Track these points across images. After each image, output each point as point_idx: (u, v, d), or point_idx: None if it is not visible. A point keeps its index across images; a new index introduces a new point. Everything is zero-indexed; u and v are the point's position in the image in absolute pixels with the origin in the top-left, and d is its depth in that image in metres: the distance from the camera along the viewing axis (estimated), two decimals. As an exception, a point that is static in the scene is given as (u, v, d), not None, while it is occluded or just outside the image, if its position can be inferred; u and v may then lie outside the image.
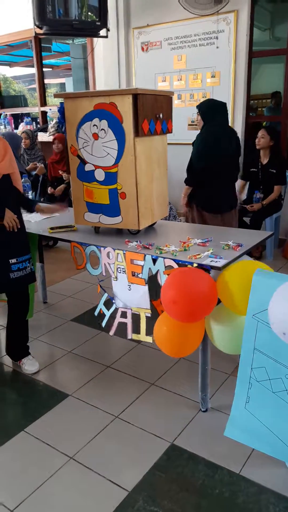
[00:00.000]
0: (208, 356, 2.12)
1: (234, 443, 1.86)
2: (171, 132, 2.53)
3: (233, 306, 1.90)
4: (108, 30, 4.80)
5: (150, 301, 2.19)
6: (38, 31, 4.68)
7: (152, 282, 2.16)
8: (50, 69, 9.58)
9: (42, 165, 5.26)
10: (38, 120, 6.51)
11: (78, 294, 3.68)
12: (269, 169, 4.28)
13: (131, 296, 2.25)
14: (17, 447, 2.02)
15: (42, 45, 6.17)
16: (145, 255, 2.11)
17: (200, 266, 1.97)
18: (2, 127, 6.21)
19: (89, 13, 4.68)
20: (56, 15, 4.50)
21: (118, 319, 2.32)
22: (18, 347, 2.62)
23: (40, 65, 6.21)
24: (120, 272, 2.24)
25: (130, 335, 2.27)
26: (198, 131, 3.48)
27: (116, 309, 2.33)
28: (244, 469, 1.83)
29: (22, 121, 6.38)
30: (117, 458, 1.93)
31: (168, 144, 2.58)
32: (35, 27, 4.62)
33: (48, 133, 5.73)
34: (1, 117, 6.40)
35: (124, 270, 2.22)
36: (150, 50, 4.99)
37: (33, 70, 6.28)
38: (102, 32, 4.81)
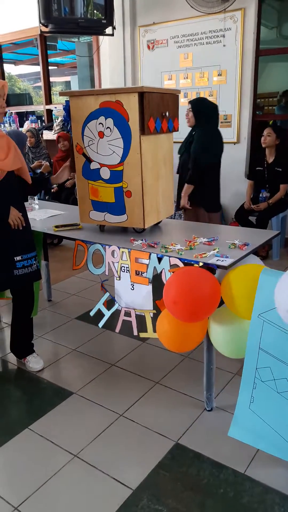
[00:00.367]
0: (213, 355, 2.11)
1: (239, 442, 1.85)
2: (177, 131, 2.52)
3: (236, 309, 1.88)
4: (114, 28, 4.79)
5: (154, 301, 2.19)
6: (44, 29, 4.68)
7: (157, 282, 2.15)
8: (56, 67, 9.58)
9: (47, 163, 5.26)
10: (43, 118, 6.52)
11: (83, 292, 3.69)
12: (275, 168, 4.26)
13: (134, 296, 2.25)
14: (21, 444, 2.02)
15: (47, 43, 6.17)
16: (150, 254, 2.11)
17: (206, 265, 1.96)
18: (7, 125, 6.22)
19: (95, 11, 4.67)
20: (61, 13, 4.50)
21: (122, 317, 2.32)
22: (22, 344, 2.63)
23: (46, 63, 6.21)
24: (123, 271, 2.24)
25: (136, 331, 2.27)
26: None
27: (117, 310, 2.32)
28: (249, 469, 1.82)
29: (27, 119, 6.40)
30: (121, 456, 1.92)
31: (174, 142, 2.57)
32: (41, 25, 4.62)
33: (53, 131, 5.74)
34: (6, 115, 6.41)
35: (128, 269, 2.21)
36: (156, 48, 4.98)
37: (39, 68, 6.29)
38: (108, 30, 4.81)
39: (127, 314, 2.29)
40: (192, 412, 2.17)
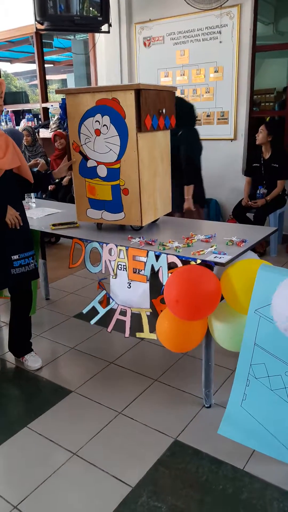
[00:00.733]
0: (212, 352, 2.11)
1: (237, 439, 1.85)
2: (174, 128, 2.51)
3: (236, 304, 1.89)
4: (110, 25, 4.77)
5: (150, 300, 2.19)
6: (39, 26, 4.66)
7: (153, 280, 2.15)
8: (52, 65, 9.56)
9: (43, 162, 5.24)
10: (40, 117, 6.50)
11: (81, 290, 3.68)
12: (272, 164, 4.26)
13: (130, 295, 2.24)
14: (20, 443, 2.02)
15: (43, 41, 6.14)
16: (148, 251, 2.11)
17: (204, 262, 1.96)
18: (4, 123, 6.20)
19: (91, 8, 4.65)
20: (57, 11, 4.47)
21: (117, 316, 2.31)
22: (21, 343, 2.63)
23: (42, 61, 6.18)
24: (120, 269, 2.23)
25: (128, 333, 2.26)
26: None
27: (113, 308, 2.32)
28: (248, 465, 1.83)
29: (24, 118, 6.37)
30: (121, 454, 1.93)
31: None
32: (36, 22, 4.60)
33: (49, 129, 5.72)
34: (3, 114, 6.39)
35: (125, 267, 2.21)
36: (152, 45, 4.96)
37: (35, 66, 6.26)
38: (104, 27, 4.79)
39: (123, 313, 2.29)
40: (190, 409, 2.18)
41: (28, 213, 2.71)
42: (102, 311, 2.37)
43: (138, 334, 2.24)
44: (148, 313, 2.21)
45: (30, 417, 2.17)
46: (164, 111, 2.34)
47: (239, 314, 1.92)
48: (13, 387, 2.47)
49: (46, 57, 6.55)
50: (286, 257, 4.28)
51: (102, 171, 2.33)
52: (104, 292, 2.38)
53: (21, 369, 2.61)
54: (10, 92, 9.93)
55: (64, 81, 11.53)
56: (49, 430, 2.08)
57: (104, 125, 2.24)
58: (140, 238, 2.26)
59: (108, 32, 4.85)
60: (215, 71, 4.61)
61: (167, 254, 2.05)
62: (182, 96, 4.84)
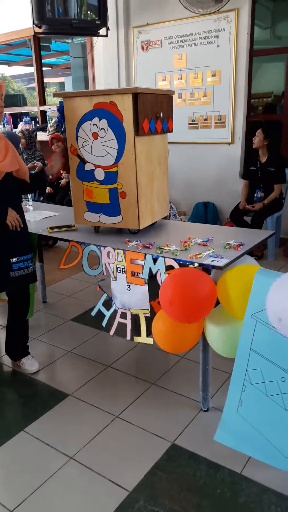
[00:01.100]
0: (209, 356, 2.11)
1: (235, 443, 1.85)
2: (172, 131, 2.52)
3: (232, 309, 1.88)
4: (107, 29, 4.79)
5: (149, 302, 2.19)
6: (37, 30, 4.67)
7: (153, 283, 2.15)
8: (50, 68, 9.57)
9: (41, 164, 5.25)
10: (37, 120, 6.50)
11: (78, 293, 3.68)
12: (268, 168, 4.27)
13: (130, 297, 2.24)
14: (16, 447, 2.01)
15: (41, 44, 6.15)
16: (145, 255, 2.11)
17: (201, 265, 1.96)
18: (1, 126, 6.20)
19: (89, 12, 4.67)
20: (55, 14, 4.49)
21: (118, 319, 2.31)
22: (18, 346, 2.62)
23: (39, 64, 6.20)
24: (119, 272, 2.23)
25: (129, 336, 2.26)
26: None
27: (115, 310, 2.32)
28: (245, 469, 1.83)
29: (21, 121, 6.37)
30: (118, 458, 1.92)
31: (168, 143, 2.57)
32: (34, 26, 4.61)
33: (47, 132, 5.72)
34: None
35: (124, 270, 2.21)
36: (150, 49, 4.98)
37: (32, 69, 6.27)
38: (102, 31, 4.81)
39: (123, 315, 2.29)
40: (188, 412, 2.17)
41: (26, 216, 2.70)
42: (107, 313, 2.36)
43: (136, 339, 2.24)
44: (147, 315, 2.20)
45: (27, 421, 2.16)
46: (161, 114, 2.34)
47: (234, 320, 1.91)
48: (10, 391, 2.46)
49: (44, 60, 6.56)
50: (283, 261, 4.29)
51: (99, 174, 2.33)
52: (105, 294, 2.37)
53: (17, 373, 2.60)
54: (8, 95, 9.93)
55: (61, 84, 11.55)
56: (45, 434, 2.07)
57: (102, 128, 2.24)
58: (137, 241, 2.26)
59: (106, 35, 4.87)
60: (212, 75, 4.63)
61: (165, 257, 2.05)
62: (180, 100, 4.86)
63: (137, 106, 2.13)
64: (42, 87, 6.30)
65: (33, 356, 2.64)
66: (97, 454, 1.94)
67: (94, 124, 2.26)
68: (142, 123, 2.17)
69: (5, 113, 6.54)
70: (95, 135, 2.27)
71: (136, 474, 1.82)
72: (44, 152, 5.60)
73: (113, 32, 4.98)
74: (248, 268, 1.88)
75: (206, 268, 1.96)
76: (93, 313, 2.41)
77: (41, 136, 5.84)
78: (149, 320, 2.19)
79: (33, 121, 6.46)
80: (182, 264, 2.01)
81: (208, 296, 1.87)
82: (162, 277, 2.07)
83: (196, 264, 1.97)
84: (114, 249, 2.21)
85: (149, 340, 2.19)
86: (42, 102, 6.32)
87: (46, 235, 2.58)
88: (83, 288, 3.76)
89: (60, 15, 4.52)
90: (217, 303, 1.96)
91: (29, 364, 2.57)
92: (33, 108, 6.71)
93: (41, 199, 5.09)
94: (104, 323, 2.39)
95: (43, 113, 6.30)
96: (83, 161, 2.36)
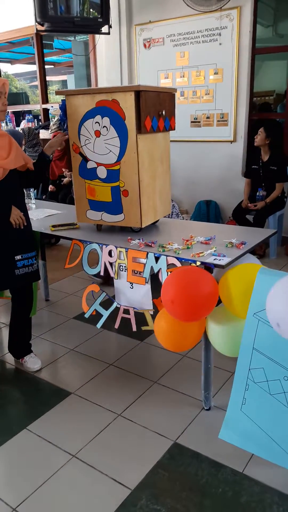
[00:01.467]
0: (211, 354, 2.11)
1: (237, 441, 1.85)
2: (174, 129, 2.51)
3: (234, 308, 1.88)
4: (110, 26, 4.77)
5: (152, 300, 2.18)
6: (40, 28, 4.66)
7: (156, 281, 2.15)
8: (52, 66, 9.56)
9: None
10: (40, 118, 6.50)
11: (80, 292, 3.67)
12: (270, 166, 4.26)
13: (133, 295, 2.24)
14: (19, 445, 2.02)
15: (43, 42, 6.15)
16: (147, 253, 2.10)
17: (203, 264, 1.95)
18: (4, 124, 6.20)
19: (91, 10, 4.65)
20: (57, 12, 4.48)
21: (121, 314, 2.31)
22: (20, 345, 2.62)
23: (42, 62, 6.19)
24: (122, 270, 2.23)
25: (135, 327, 2.26)
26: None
27: (117, 307, 2.32)
28: (247, 468, 1.82)
29: (24, 119, 6.37)
30: (120, 456, 1.92)
31: (171, 141, 2.57)
32: (37, 24, 4.60)
33: (49, 130, 5.72)
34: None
35: (126, 268, 2.20)
36: (152, 47, 4.97)
37: (35, 67, 6.27)
38: (104, 29, 4.79)
39: (126, 311, 2.29)
40: (190, 411, 2.17)
41: (28, 214, 2.70)
42: (105, 313, 2.36)
43: (144, 328, 2.23)
44: (152, 313, 2.21)
45: (29, 419, 2.17)
46: (164, 112, 2.34)
47: (236, 319, 1.91)
48: (12, 389, 2.46)
49: (46, 58, 6.56)
50: (285, 259, 4.28)
51: (102, 172, 2.33)
52: (104, 294, 2.37)
53: (20, 371, 2.60)
54: (10, 93, 9.91)
55: (64, 82, 11.55)
56: (48, 432, 2.07)
57: (104, 126, 2.24)
58: (139, 239, 2.25)
59: (108, 33, 4.85)
60: (214, 73, 4.61)
61: (167, 255, 2.05)
62: (182, 98, 4.85)
63: (140, 104, 2.13)
64: (44, 85, 6.30)
65: (36, 354, 2.64)
66: (99, 452, 1.94)
67: (96, 122, 2.25)
68: (144, 121, 2.16)
69: (8, 111, 6.54)
70: (98, 133, 2.27)
71: (138, 472, 1.82)
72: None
73: (115, 30, 4.97)
74: (250, 267, 1.87)
75: (208, 267, 1.95)
76: (86, 315, 2.41)
77: (44, 134, 5.84)
78: (154, 314, 2.19)
79: (35, 119, 6.46)
80: (184, 262, 2.01)
81: (210, 295, 1.87)
82: (164, 276, 2.06)
83: (198, 263, 1.96)
84: (116, 247, 2.20)
85: None
86: (45, 100, 6.32)
87: (49, 233, 2.58)
88: (86, 287, 3.75)
89: (63, 13, 4.51)
90: (219, 301, 1.96)
91: (32, 362, 2.58)
92: (36, 106, 6.71)
93: (43, 197, 5.09)
94: (99, 325, 2.37)
95: (46, 111, 6.30)
96: (85, 159, 2.36)
